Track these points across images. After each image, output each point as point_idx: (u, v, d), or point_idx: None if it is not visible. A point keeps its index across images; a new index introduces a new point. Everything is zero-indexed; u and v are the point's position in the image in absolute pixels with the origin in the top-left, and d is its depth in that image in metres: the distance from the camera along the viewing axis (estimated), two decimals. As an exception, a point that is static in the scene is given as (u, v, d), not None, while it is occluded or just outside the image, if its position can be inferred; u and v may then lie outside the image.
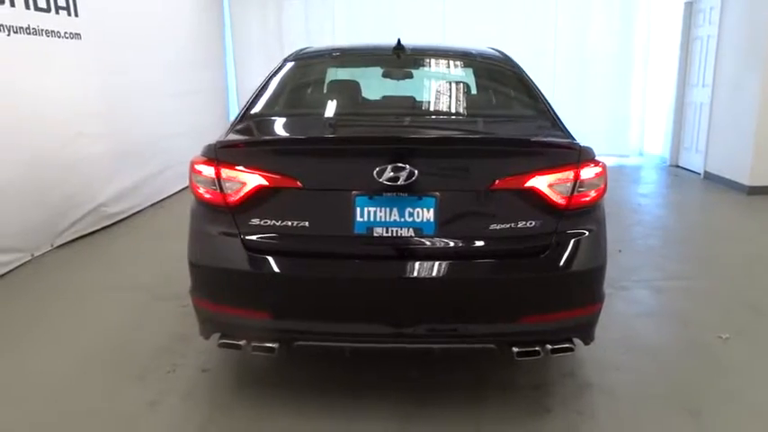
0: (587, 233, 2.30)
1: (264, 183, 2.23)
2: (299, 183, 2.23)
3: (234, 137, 2.46)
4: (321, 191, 2.26)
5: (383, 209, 2.23)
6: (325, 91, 3.18)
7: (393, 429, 2.39)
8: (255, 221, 2.27)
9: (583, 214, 2.31)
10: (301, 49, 3.49)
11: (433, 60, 3.28)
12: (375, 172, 2.17)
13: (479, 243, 2.25)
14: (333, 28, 8.58)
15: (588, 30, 8.49)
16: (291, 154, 2.35)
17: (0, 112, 3.99)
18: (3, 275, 3.98)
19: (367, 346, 2.36)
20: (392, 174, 2.16)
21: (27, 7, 4.19)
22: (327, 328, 2.29)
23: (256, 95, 2.84)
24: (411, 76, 3.23)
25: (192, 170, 2.37)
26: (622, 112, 8.68)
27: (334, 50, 3.65)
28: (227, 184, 2.27)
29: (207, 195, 2.33)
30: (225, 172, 2.27)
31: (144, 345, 3.08)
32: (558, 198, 2.24)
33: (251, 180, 2.24)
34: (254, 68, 8.77)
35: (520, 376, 2.77)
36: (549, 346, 2.28)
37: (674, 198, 6.86)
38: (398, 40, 3.20)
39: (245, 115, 2.66)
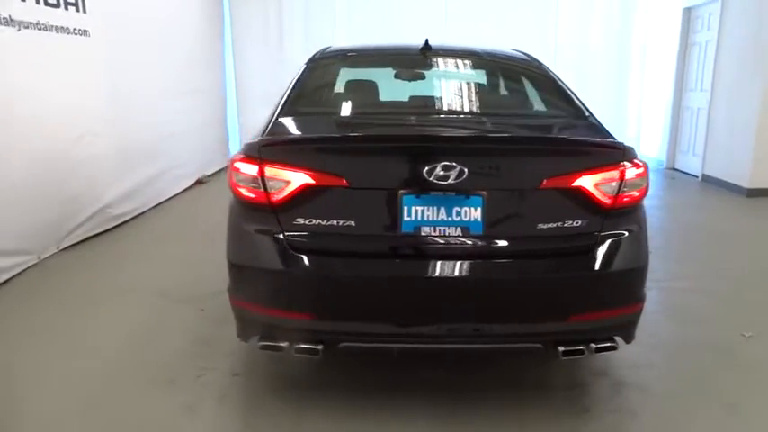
0: (631, 233, 2.30)
1: (310, 181, 2.20)
2: (345, 181, 2.19)
3: (275, 135, 2.42)
4: (368, 190, 2.23)
5: (431, 208, 2.20)
6: (357, 90, 3.15)
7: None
8: (300, 221, 2.23)
9: (626, 214, 2.31)
10: (325, 48, 3.46)
11: (461, 61, 3.26)
12: (425, 170, 2.15)
13: (527, 242, 2.24)
14: (333, 28, 8.56)
15: (587, 33, 8.57)
16: (338, 152, 2.31)
17: (12, 110, 3.89)
18: (11, 278, 3.88)
19: (414, 347, 2.33)
20: (442, 172, 2.14)
21: (37, 2, 4.10)
22: (374, 329, 2.26)
23: (290, 94, 2.80)
24: (441, 77, 3.22)
25: (233, 169, 2.33)
26: (619, 115, 8.76)
27: (360, 50, 3.62)
28: (270, 183, 2.23)
29: (249, 194, 2.29)
30: (269, 170, 2.23)
31: (167, 349, 3.01)
32: (603, 198, 2.24)
33: (296, 178, 2.20)
34: (254, 68, 8.75)
35: (552, 376, 2.77)
36: (593, 345, 2.27)
37: (673, 200, 6.93)
38: (426, 41, 3.18)
39: (281, 113, 2.62)
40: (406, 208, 2.20)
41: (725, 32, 6.85)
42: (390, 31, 8.30)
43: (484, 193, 2.19)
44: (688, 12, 7.78)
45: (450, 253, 2.22)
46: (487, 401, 2.56)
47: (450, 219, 2.20)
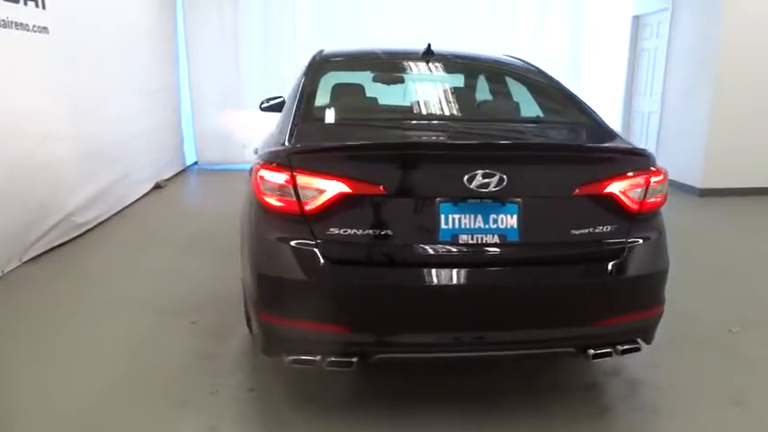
0: (654, 237, 2.37)
1: (347, 190, 2.13)
2: (382, 189, 2.14)
3: (303, 142, 2.33)
4: (404, 198, 2.19)
5: (468, 215, 2.18)
6: (372, 95, 3.09)
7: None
8: (335, 230, 2.15)
9: (650, 219, 2.37)
10: (321, 51, 3.38)
11: (466, 66, 3.27)
12: (465, 178, 2.13)
13: (561, 248, 2.26)
14: (293, 30, 8.41)
15: (541, 39, 8.78)
16: (375, 160, 2.25)
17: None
18: (-28, 296, 3.59)
19: (450, 356, 2.31)
20: (483, 180, 2.13)
21: (-4, -4, 3.81)
22: (410, 339, 2.22)
23: (303, 99, 2.71)
24: (450, 82, 3.21)
25: (259, 178, 2.24)
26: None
27: (362, 54, 3.56)
28: (303, 192, 2.15)
29: (278, 204, 2.20)
30: (302, 179, 2.15)
31: (168, 366, 2.86)
32: (631, 204, 2.29)
33: (332, 187, 2.13)
34: (210, 70, 8.49)
35: (566, 378, 2.81)
36: (619, 348, 2.32)
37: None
38: (429, 45, 3.17)
39: (300, 119, 2.52)
40: (443, 216, 2.17)
41: (675, 39, 7.19)
42: (353, 32, 8.26)
43: (519, 200, 2.19)
44: (637, 20, 8.12)
45: (488, 260, 2.21)
46: (507, 406, 2.56)
47: (486, 226, 2.19)
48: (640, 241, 2.32)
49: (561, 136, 2.76)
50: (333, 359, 2.20)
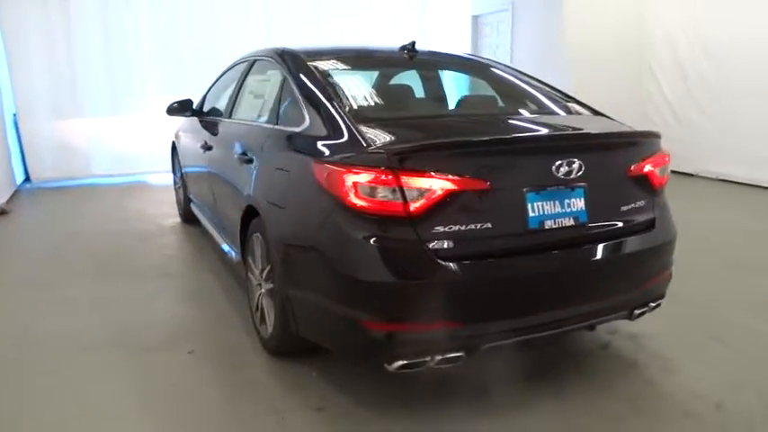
0: (667, 208, 2.75)
1: (452, 187, 2.14)
2: (483, 184, 2.20)
3: (401, 144, 2.26)
4: (499, 190, 2.25)
5: (548, 202, 2.33)
6: (400, 93, 3.05)
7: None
8: (440, 228, 2.15)
9: (662, 193, 2.75)
10: (285, 49, 3.25)
11: (448, 64, 3.39)
12: (553, 167, 2.27)
13: (618, 224, 2.51)
14: (137, 28, 7.64)
15: (386, 38, 9.12)
16: (476, 155, 2.28)
17: None
18: None
19: (541, 335, 2.43)
20: (566, 168, 2.30)
21: None
22: (512, 324, 2.30)
23: (329, 101, 2.62)
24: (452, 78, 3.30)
25: (353, 183, 2.14)
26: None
27: (351, 53, 3.46)
28: (408, 193, 2.11)
29: (377, 207, 2.12)
30: (407, 180, 2.10)
31: (207, 407, 2.55)
32: (657, 179, 2.64)
33: (438, 185, 2.12)
34: (36, 74, 7.35)
35: (577, 344, 3.10)
36: (651, 304, 2.67)
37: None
38: (413, 43, 3.23)
39: (354, 121, 2.43)
40: (530, 205, 2.29)
41: (518, 36, 8.06)
42: (206, 32, 7.81)
43: (584, 184, 2.40)
44: (476, 19, 8.91)
45: (568, 241, 2.37)
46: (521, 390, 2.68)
47: (563, 210, 2.36)
48: (662, 211, 2.69)
49: (592, 124, 2.97)
50: (443, 357, 2.20)
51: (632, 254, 2.53)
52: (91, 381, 2.77)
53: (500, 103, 3.19)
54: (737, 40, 6.60)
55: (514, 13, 8.05)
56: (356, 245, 2.17)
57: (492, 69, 3.43)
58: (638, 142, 2.59)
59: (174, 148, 5.59)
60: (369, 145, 2.25)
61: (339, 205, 2.20)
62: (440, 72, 3.39)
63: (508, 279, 2.26)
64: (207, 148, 3.99)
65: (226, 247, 3.74)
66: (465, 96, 3.23)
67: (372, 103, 2.92)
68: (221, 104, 4.25)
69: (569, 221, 2.37)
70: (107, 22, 7.57)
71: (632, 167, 2.53)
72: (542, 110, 3.10)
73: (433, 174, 2.13)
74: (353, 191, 2.15)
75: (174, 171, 5.78)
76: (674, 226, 2.78)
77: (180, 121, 5.49)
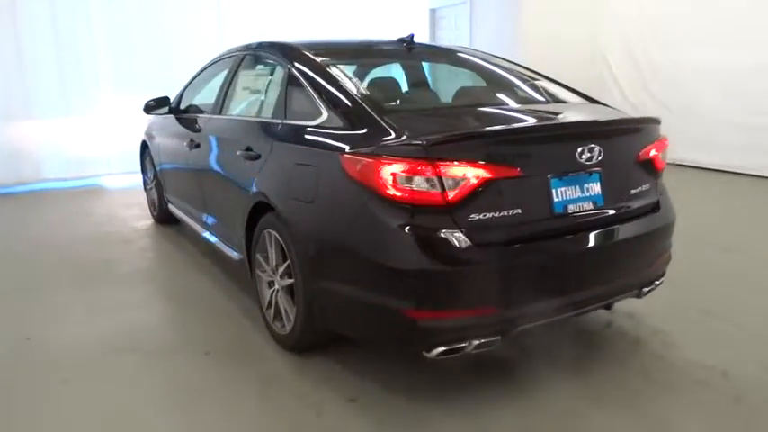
0: (666, 190, 2.91)
1: (487, 174, 2.20)
2: (515, 171, 2.27)
3: (434, 134, 2.28)
4: (527, 177, 2.33)
5: (570, 187, 2.43)
6: (416, 86, 3.07)
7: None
8: (475, 216, 2.21)
9: (661, 176, 2.90)
10: (284, 43, 3.25)
11: (448, 56, 3.44)
12: (576, 153, 2.37)
13: (629, 206, 2.64)
14: (89, 26, 7.33)
15: (344, 32, 9.12)
16: (510, 143, 2.36)
17: None
18: None
19: (568, 316, 2.53)
20: (588, 154, 2.40)
21: None
22: (544, 306, 2.38)
23: (351, 93, 2.64)
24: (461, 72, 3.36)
25: (389, 173, 2.17)
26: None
27: (350, 47, 3.46)
28: (447, 182, 2.16)
29: (415, 196, 2.16)
30: (446, 169, 2.15)
31: (239, 399, 2.53)
32: (660, 164, 2.78)
33: (473, 173, 2.18)
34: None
35: (581, 326, 3.24)
36: (656, 282, 2.83)
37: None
38: (412, 36, 3.28)
39: (378, 113, 2.45)
40: (554, 190, 2.39)
41: (476, 29, 8.22)
42: (156, 28, 7.59)
43: (599, 169, 2.51)
44: (434, 12, 9.03)
45: (589, 225, 2.48)
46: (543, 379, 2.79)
47: (582, 195, 2.47)
48: (663, 194, 2.84)
49: (600, 111, 3.07)
50: (480, 341, 2.27)
51: (644, 234, 2.65)
52: (116, 386, 2.69)
53: (511, 94, 3.25)
54: (688, 27, 6.99)
55: (473, 6, 8.20)
56: (395, 235, 2.20)
57: (494, 61, 3.50)
58: (646, 128, 2.72)
59: (144, 147, 5.42)
60: (401, 136, 2.28)
61: (375, 196, 2.23)
62: (443, 64, 3.45)
63: (540, 263, 2.35)
64: (194, 145, 3.90)
65: (221, 246, 3.68)
66: (473, 87, 3.29)
67: (387, 95, 2.94)
68: (206, 101, 4.16)
69: (588, 205, 2.48)
70: (57, 21, 7.20)
71: (641, 152, 2.66)
72: (551, 99, 3.17)
73: (469, 162, 2.19)
74: (391, 181, 2.18)
75: (143, 171, 5.60)
76: (673, 208, 2.94)
77: (149, 119, 5.33)
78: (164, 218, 5.24)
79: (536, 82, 3.29)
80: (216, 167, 3.60)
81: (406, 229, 2.19)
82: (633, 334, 3.09)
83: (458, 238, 2.19)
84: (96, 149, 7.78)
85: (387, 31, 9.17)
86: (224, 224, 3.60)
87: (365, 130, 2.41)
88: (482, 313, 2.26)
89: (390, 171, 2.17)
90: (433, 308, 2.21)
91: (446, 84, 3.28)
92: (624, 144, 2.62)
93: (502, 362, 2.77)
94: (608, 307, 2.70)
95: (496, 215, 2.25)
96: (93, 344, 3.09)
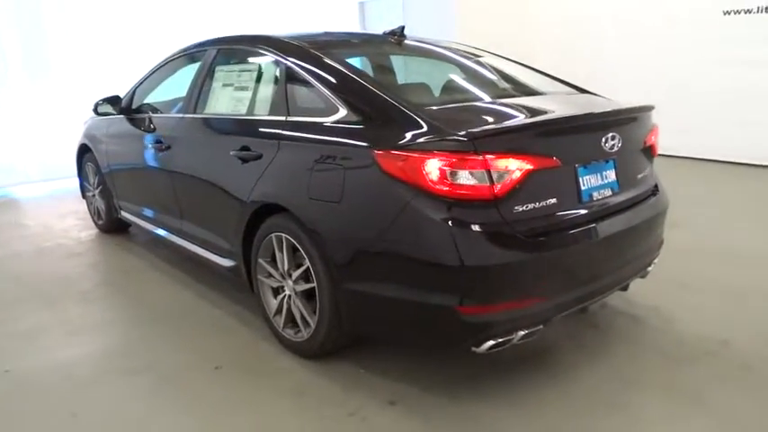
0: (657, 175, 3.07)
1: (529, 166, 2.21)
2: (553, 162, 2.30)
3: (476, 127, 2.24)
4: (560, 167, 2.36)
5: (593, 175, 2.49)
6: (433, 79, 2.99)
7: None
8: (518, 207, 2.22)
9: (654, 162, 3.06)
10: (274, 37, 3.11)
11: (434, 49, 3.43)
12: (602, 142, 2.44)
13: (637, 191, 2.74)
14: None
15: (275, 27, 8.88)
16: (550, 134, 2.38)
17: None
18: None
19: (597, 299, 2.59)
20: (612, 142, 2.48)
21: None
22: (580, 293, 2.43)
23: (371, 87, 2.56)
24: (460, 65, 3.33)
25: (436, 168, 2.13)
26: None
27: (354, 39, 3.33)
28: (494, 175, 2.15)
29: (463, 190, 2.14)
30: (494, 162, 2.14)
31: (274, 413, 2.40)
32: (655, 149, 2.93)
33: (517, 165, 2.18)
34: None
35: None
36: (655, 262, 2.98)
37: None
38: (402, 28, 3.24)
39: (406, 108, 2.38)
40: (581, 179, 2.44)
41: (411, 21, 8.24)
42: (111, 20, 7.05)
43: (615, 156, 2.60)
44: (362, 5, 8.97)
45: (611, 209, 2.55)
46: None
47: (603, 182, 2.54)
48: (658, 180, 2.99)
49: (606, 101, 3.09)
50: (526, 332, 2.29)
51: (653, 216, 2.78)
52: (133, 413, 2.47)
53: (520, 86, 3.25)
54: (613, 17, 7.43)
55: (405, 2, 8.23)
56: (443, 231, 2.15)
57: (490, 57, 3.51)
58: (648, 116, 2.84)
59: (83, 151, 4.99)
60: (440, 130, 2.23)
61: (420, 193, 2.17)
62: (440, 58, 3.41)
63: (577, 250, 2.39)
64: (164, 147, 3.62)
65: (203, 254, 3.45)
66: (486, 79, 3.28)
67: (407, 89, 2.88)
68: (169, 99, 3.89)
69: (607, 192, 2.56)
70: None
71: (645, 139, 2.78)
72: (554, 90, 3.23)
73: (514, 155, 2.19)
74: (438, 176, 2.13)
75: (82, 177, 5.16)
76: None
77: (87, 120, 4.93)
78: (111, 227, 4.87)
79: (533, 73, 3.35)
80: (196, 170, 3.37)
81: (456, 225, 2.15)
82: (630, 312, 3.23)
83: (506, 231, 2.19)
84: (8, 156, 7.09)
85: (315, 24, 9.10)
86: (208, 230, 3.38)
87: (397, 125, 2.34)
88: (530, 304, 2.27)
89: (438, 166, 2.13)
90: (485, 302, 2.20)
91: (453, 78, 3.26)
92: (636, 131, 2.72)
93: (523, 351, 2.80)
94: (624, 288, 2.80)
95: (537, 206, 2.27)
96: (84, 368, 2.82)
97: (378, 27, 8.82)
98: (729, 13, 6.60)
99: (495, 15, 7.78)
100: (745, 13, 6.48)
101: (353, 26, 9.11)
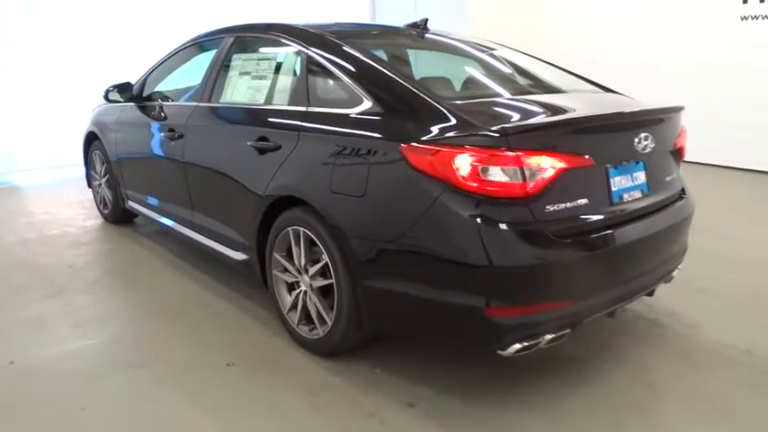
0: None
1: (563, 165, 2.14)
2: (586, 161, 2.22)
3: (509, 123, 2.18)
4: (592, 167, 2.28)
5: (624, 176, 2.42)
6: (452, 73, 2.91)
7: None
8: (550, 207, 2.14)
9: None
10: (296, 26, 3.04)
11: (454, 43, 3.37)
12: (634, 142, 2.37)
13: (667, 194, 2.66)
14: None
15: (281, 16, 8.76)
16: (579, 133, 2.30)
17: None
18: None
19: (626, 302, 2.51)
20: (645, 143, 2.41)
21: None
22: (609, 295, 2.36)
23: (399, 79, 2.47)
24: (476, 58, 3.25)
25: (468, 164, 2.05)
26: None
27: (369, 30, 3.25)
28: (527, 172, 2.07)
29: (495, 188, 2.06)
30: (527, 159, 2.06)
31: (290, 412, 2.33)
32: (683, 152, 2.85)
33: (550, 163, 2.11)
34: None
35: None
36: (680, 266, 2.90)
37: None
38: (426, 20, 3.16)
39: (435, 101, 2.30)
40: (612, 179, 2.36)
41: (422, 14, 8.14)
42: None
43: (645, 158, 2.52)
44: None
45: (641, 212, 2.47)
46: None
47: (633, 184, 2.46)
48: (685, 183, 2.91)
49: (635, 100, 3.01)
50: (554, 336, 2.21)
51: (681, 220, 2.70)
52: (145, 411, 2.39)
53: (547, 84, 3.17)
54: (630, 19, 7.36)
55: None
56: (473, 229, 2.07)
57: (513, 53, 3.43)
58: (678, 117, 2.76)
59: (90, 139, 4.90)
60: (472, 125, 2.15)
61: (449, 188, 2.10)
62: (457, 51, 3.34)
63: (607, 252, 2.30)
64: (177, 136, 3.54)
65: (214, 247, 3.38)
66: (512, 76, 3.19)
67: (431, 83, 2.80)
68: (184, 88, 3.81)
69: (638, 194, 2.48)
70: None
71: (675, 141, 2.71)
72: (579, 88, 3.15)
73: (548, 152, 2.12)
74: (470, 172, 2.06)
75: (88, 166, 5.08)
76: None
77: (95, 108, 4.85)
78: (118, 217, 4.78)
79: (559, 71, 3.27)
80: (210, 160, 3.29)
81: (485, 223, 2.07)
82: (650, 317, 3.17)
83: (537, 231, 2.11)
84: (7, 143, 6.99)
85: (325, 17, 9.00)
86: (221, 222, 3.30)
87: (426, 119, 2.26)
88: (559, 306, 2.19)
89: (470, 162, 2.05)
90: (514, 304, 2.12)
91: (478, 72, 3.18)
92: (666, 132, 2.65)
93: (546, 354, 2.71)
94: (651, 293, 2.73)
95: (568, 206, 2.20)
96: (92, 361, 2.74)
97: (389, 21, 8.73)
98: (747, 19, 6.54)
99: (510, 7, 7.69)
100: (763, 18, 6.42)
101: (364, 19, 9.01)
